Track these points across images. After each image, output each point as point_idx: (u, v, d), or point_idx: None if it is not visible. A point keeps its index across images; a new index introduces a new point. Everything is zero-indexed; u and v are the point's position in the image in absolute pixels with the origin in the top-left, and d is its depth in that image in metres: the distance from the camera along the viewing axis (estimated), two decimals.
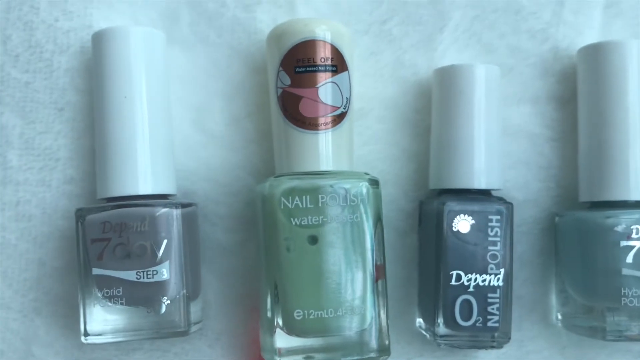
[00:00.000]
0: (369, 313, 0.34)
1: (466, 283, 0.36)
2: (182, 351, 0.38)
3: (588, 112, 0.38)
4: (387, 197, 0.39)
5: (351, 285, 0.33)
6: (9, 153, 0.37)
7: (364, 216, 0.34)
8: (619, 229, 0.36)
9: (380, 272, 0.35)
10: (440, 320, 0.36)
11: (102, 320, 0.34)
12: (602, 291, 0.36)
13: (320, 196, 0.33)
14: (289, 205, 0.33)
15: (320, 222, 0.33)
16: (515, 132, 0.40)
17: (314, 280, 0.33)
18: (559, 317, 0.39)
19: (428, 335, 0.37)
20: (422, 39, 0.39)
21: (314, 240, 0.33)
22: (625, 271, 0.36)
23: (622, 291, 0.35)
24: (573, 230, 0.38)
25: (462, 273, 0.36)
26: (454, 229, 0.36)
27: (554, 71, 0.40)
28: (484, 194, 0.37)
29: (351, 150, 0.36)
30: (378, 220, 0.35)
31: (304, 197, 0.33)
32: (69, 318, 0.37)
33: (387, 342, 0.35)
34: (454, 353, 0.39)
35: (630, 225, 0.36)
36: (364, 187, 0.34)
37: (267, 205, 0.33)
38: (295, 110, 0.34)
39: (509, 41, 0.40)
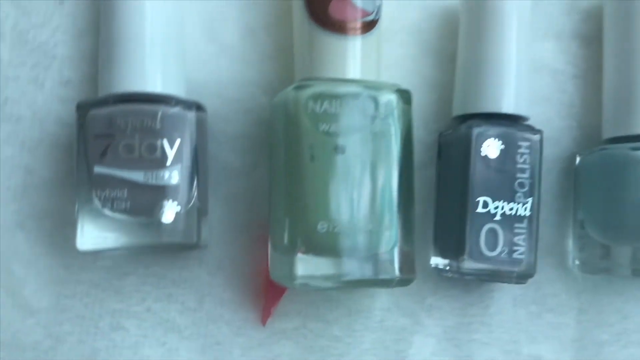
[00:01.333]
0: (395, 233, 0.31)
1: (493, 211, 0.34)
2: (179, 278, 0.34)
3: (614, 48, 0.37)
4: None
5: (379, 201, 0.31)
6: None
7: (394, 127, 0.31)
8: None
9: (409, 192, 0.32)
10: (466, 250, 0.33)
11: (99, 234, 0.30)
12: (630, 226, 0.35)
13: (351, 102, 0.30)
14: (317, 109, 0.30)
15: (350, 129, 0.30)
16: (538, 67, 0.38)
17: (339, 192, 0.30)
18: (576, 262, 0.38)
19: (449, 271, 0.35)
20: None
21: (340, 149, 0.30)
22: None
23: None
24: (597, 167, 0.36)
25: (489, 200, 0.34)
26: (482, 154, 0.34)
27: (579, 8, 0.39)
28: (512, 121, 0.35)
29: (379, 61, 0.34)
30: (409, 139, 0.32)
31: (333, 101, 0.30)
32: (55, 235, 0.33)
33: (413, 265, 0.32)
34: (468, 291, 0.37)
35: None
36: (396, 97, 0.32)
37: (291, 109, 0.30)
38: (324, 11, 0.32)
39: None
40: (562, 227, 0.38)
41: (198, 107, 0.31)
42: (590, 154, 0.37)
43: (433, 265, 0.36)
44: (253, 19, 0.35)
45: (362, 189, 0.31)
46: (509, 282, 0.35)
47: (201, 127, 0.32)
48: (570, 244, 0.38)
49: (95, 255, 0.31)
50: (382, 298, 0.36)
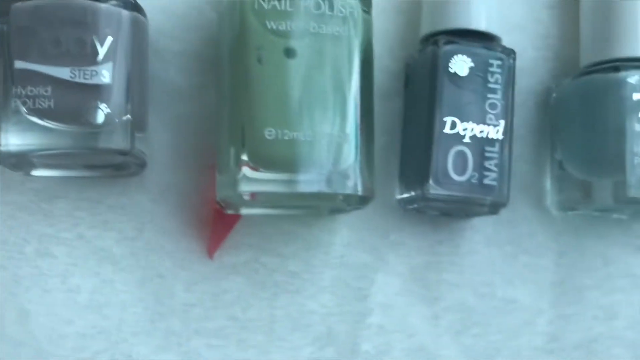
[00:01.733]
0: (354, 147, 0.28)
1: (461, 132, 0.31)
2: (117, 204, 0.31)
3: None
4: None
5: (333, 109, 0.28)
6: None
7: (352, 32, 0.29)
8: (631, 80, 0.32)
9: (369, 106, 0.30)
10: (431, 174, 0.30)
11: (22, 136, 0.27)
12: (612, 155, 0.32)
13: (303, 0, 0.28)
14: (265, 4, 0.27)
15: (301, 30, 0.28)
16: None
17: (290, 98, 0.27)
18: (554, 203, 0.35)
19: (414, 202, 0.32)
20: None
21: (291, 53, 0.28)
22: (637, 127, 0.31)
23: (632, 149, 0.31)
24: (574, 97, 0.34)
25: (457, 120, 0.31)
26: (451, 71, 0.31)
27: None
28: (483, 40, 0.32)
29: None
30: (369, 48, 0.30)
31: None
32: None
33: (371, 184, 0.29)
34: (437, 229, 0.34)
35: None
36: (354, 1, 0.29)
37: (236, 6, 0.28)
38: None
39: None
40: (539, 164, 0.36)
41: (135, 7, 0.28)
42: (567, 84, 0.34)
43: (398, 198, 0.33)
44: None
45: (316, 95, 0.28)
46: (480, 213, 0.33)
47: (139, 30, 0.29)
48: (548, 184, 0.35)
49: (20, 160, 0.28)
50: (343, 232, 0.33)
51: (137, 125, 0.28)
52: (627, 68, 0.32)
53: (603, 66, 0.33)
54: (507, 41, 0.35)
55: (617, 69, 0.32)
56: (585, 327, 0.34)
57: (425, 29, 0.33)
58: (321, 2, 0.28)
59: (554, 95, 0.35)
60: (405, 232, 0.34)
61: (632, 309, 0.35)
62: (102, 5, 0.27)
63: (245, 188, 0.27)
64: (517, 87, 0.35)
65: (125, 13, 0.28)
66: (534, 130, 0.36)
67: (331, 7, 0.28)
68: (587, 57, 0.34)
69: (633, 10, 0.33)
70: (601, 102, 0.32)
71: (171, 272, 0.31)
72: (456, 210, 0.33)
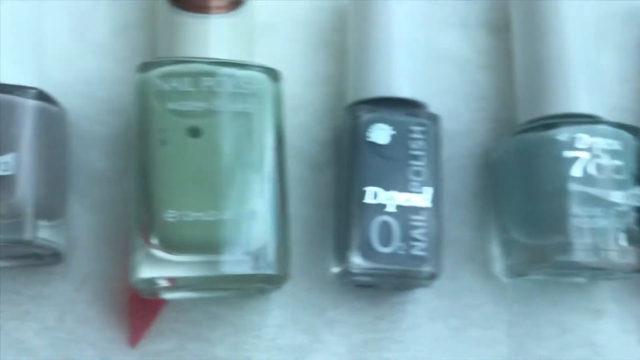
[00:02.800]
0: (268, 225, 0.27)
1: (384, 202, 0.30)
2: (39, 295, 0.30)
3: (522, 31, 0.34)
4: (300, 127, 0.34)
5: (241, 187, 0.27)
6: None
7: (259, 108, 0.28)
8: (562, 137, 0.31)
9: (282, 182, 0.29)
10: (355, 247, 0.29)
11: None
12: (548, 217, 0.30)
13: (204, 79, 0.28)
14: (165, 86, 0.27)
15: (204, 110, 0.27)
16: (442, 57, 0.35)
17: (194, 178, 0.27)
18: (503, 270, 0.33)
19: (344, 277, 0.31)
20: None
21: (195, 132, 0.27)
22: (573, 186, 0.30)
23: (570, 210, 0.30)
24: (511, 156, 0.33)
25: (378, 190, 0.30)
26: (369, 140, 0.30)
27: None
28: (407, 105, 0.32)
29: (250, 43, 0.31)
30: (279, 122, 0.29)
31: (184, 78, 0.27)
32: None
33: (286, 266, 0.28)
34: (376, 304, 0.32)
35: (574, 134, 0.30)
36: (259, 75, 0.29)
37: (140, 89, 0.28)
38: None
39: None
40: (484, 230, 0.34)
41: (42, 97, 0.29)
42: (504, 144, 0.33)
43: (333, 273, 0.32)
44: (123, 15, 0.33)
45: (223, 174, 0.27)
46: (413, 285, 0.31)
47: (49, 119, 0.29)
48: (495, 249, 0.34)
49: None
50: (275, 312, 0.32)
51: (47, 214, 0.28)
52: (557, 125, 0.31)
53: (535, 124, 0.32)
54: (441, 105, 0.34)
55: (547, 127, 0.31)
56: None
57: (350, 98, 0.33)
58: (224, 80, 0.28)
59: (493, 156, 0.34)
60: (342, 309, 0.32)
61: None
62: (3, 97, 0.27)
63: (146, 274, 0.26)
64: (454, 150, 0.34)
65: (30, 104, 0.28)
66: (476, 194, 0.34)
67: (235, 85, 0.28)
68: (522, 115, 0.33)
69: (562, 67, 0.32)
70: (535, 161, 0.31)
71: None
72: (387, 284, 0.32)
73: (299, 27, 0.35)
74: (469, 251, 0.33)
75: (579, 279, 0.34)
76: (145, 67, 0.28)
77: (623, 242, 0.30)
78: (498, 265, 0.33)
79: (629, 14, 0.37)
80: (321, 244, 0.32)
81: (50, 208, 0.29)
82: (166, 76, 0.28)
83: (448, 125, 0.34)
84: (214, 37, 0.29)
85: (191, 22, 0.29)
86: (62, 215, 0.30)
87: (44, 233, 0.28)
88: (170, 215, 0.26)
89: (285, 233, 0.28)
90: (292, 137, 0.33)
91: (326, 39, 0.35)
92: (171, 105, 0.27)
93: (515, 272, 0.32)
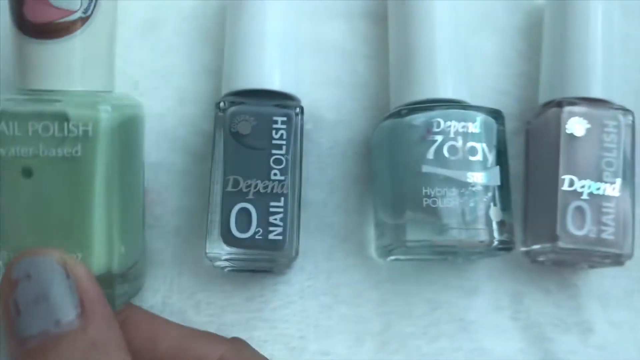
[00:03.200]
0: (96, 263, 0.28)
1: (245, 189, 0.31)
2: None
3: (395, 22, 0.35)
4: (186, 118, 0.36)
5: (70, 229, 0.28)
6: None
7: (91, 150, 0.27)
8: (417, 122, 0.32)
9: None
10: (216, 233, 0.31)
11: None
12: (405, 197, 0.32)
13: (30, 123, 0.27)
14: None
15: (31, 154, 0.27)
16: (326, 47, 0.37)
17: (26, 218, 0.27)
18: (376, 249, 0.35)
19: (213, 264, 0.33)
20: None
21: (27, 173, 0.28)
22: (426, 168, 0.31)
23: (423, 191, 0.31)
24: (380, 142, 0.34)
25: (240, 178, 0.32)
26: (233, 130, 0.32)
27: None
28: (277, 97, 0.33)
29: (104, 66, 0.30)
30: (125, 158, 0.29)
31: (10, 123, 0.27)
32: None
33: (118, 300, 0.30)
34: (246, 285, 0.34)
35: (430, 119, 0.32)
36: (95, 112, 0.27)
37: None
38: (20, 15, 0.28)
39: None
40: (361, 213, 0.36)
41: None
42: (376, 130, 0.35)
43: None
44: None
45: (52, 216, 0.27)
46: (271, 271, 0.33)
47: None
48: (371, 231, 0.35)
49: None
50: (146, 295, 0.34)
51: None
52: (415, 111, 0.32)
53: (397, 110, 0.33)
54: (324, 95, 0.36)
55: (407, 112, 0.32)
56: None
57: (224, 89, 0.34)
58: (50, 125, 0.27)
59: (370, 142, 0.36)
60: (211, 292, 0.34)
61: (458, 354, 0.34)
62: None
63: None
64: (335, 139, 0.36)
65: None
66: (356, 180, 0.36)
67: (61, 129, 0.27)
68: (393, 102, 0.35)
69: (428, 54, 0.33)
70: (396, 146, 0.33)
71: None
72: (252, 268, 0.33)
73: (184, 20, 0.36)
74: (345, 234, 0.35)
75: (453, 259, 0.35)
76: None
77: (479, 220, 0.31)
78: (372, 246, 0.35)
79: None
80: (198, 232, 0.34)
81: None
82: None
83: (330, 115, 0.36)
84: (63, 62, 0.28)
85: (31, 47, 0.28)
86: None
87: None
88: (6, 256, 0.28)
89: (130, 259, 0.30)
90: (178, 129, 0.35)
91: (211, 32, 0.37)
92: (1, 151, 0.27)
93: (385, 252, 0.34)
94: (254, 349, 0.30)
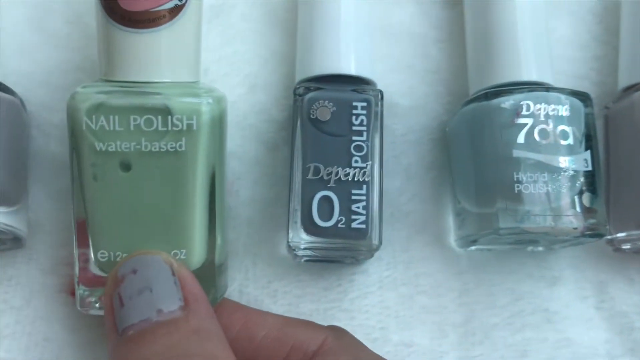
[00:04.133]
0: (198, 257, 0.28)
1: (325, 177, 0.31)
2: (4, 275, 0.32)
3: (474, 5, 0.34)
4: (256, 106, 0.35)
5: (173, 225, 0.27)
6: None
7: (192, 145, 0.27)
8: (506, 105, 0.31)
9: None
10: (297, 222, 0.30)
11: None
12: (494, 184, 0.31)
13: (132, 117, 0.26)
14: (93, 126, 0.26)
15: (132, 149, 0.27)
16: (397, 32, 0.36)
17: (124, 215, 0.27)
18: (456, 239, 0.34)
19: (291, 254, 0.32)
20: None
21: (126, 167, 0.27)
22: (517, 153, 0.30)
23: (515, 176, 0.30)
24: (461, 127, 0.33)
25: (320, 166, 0.31)
26: (312, 117, 0.31)
27: None
28: (354, 82, 0.32)
29: (194, 56, 0.29)
30: (214, 157, 0.28)
31: (110, 117, 0.26)
32: None
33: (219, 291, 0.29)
34: (322, 275, 0.33)
35: (520, 101, 0.31)
36: (198, 105, 0.27)
37: (71, 123, 0.27)
38: (114, 3, 0.27)
39: None
40: (438, 201, 0.35)
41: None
42: (455, 115, 0.34)
43: (286, 247, 0.33)
44: (77, 5, 0.35)
45: (152, 212, 0.27)
46: (353, 260, 0.32)
47: (6, 108, 0.30)
48: (449, 220, 0.34)
49: None
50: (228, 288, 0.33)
51: (6, 200, 0.30)
52: (501, 94, 0.31)
53: (480, 94, 0.32)
54: (396, 80, 0.35)
55: (492, 96, 0.31)
56: None
57: (298, 76, 0.33)
58: (154, 119, 0.27)
59: (447, 129, 0.35)
60: (287, 281, 0.33)
61: (544, 345, 0.33)
62: None
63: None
64: (409, 125, 0.35)
65: None
66: (431, 167, 0.35)
67: (165, 123, 0.27)
68: (472, 87, 0.34)
69: (509, 36, 0.32)
70: (481, 130, 0.32)
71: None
72: (333, 257, 0.32)
73: (252, 6, 0.36)
74: (422, 223, 0.34)
75: (534, 247, 0.34)
76: (75, 96, 0.27)
77: (570, 206, 0.30)
78: (452, 235, 0.34)
79: None
80: (272, 221, 0.33)
81: (9, 194, 0.30)
82: (93, 112, 0.27)
83: (403, 100, 0.35)
84: (154, 52, 0.27)
85: (129, 38, 0.27)
86: (20, 201, 0.31)
87: (4, 218, 0.29)
88: (102, 255, 0.27)
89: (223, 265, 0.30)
90: (249, 116, 0.35)
91: (280, 17, 0.36)
92: (100, 146, 0.27)
93: (467, 241, 0.33)
94: (353, 336, 0.29)
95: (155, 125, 0.27)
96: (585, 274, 0.34)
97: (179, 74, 0.28)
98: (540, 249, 0.34)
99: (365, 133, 0.31)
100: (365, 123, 0.31)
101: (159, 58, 0.27)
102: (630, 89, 0.34)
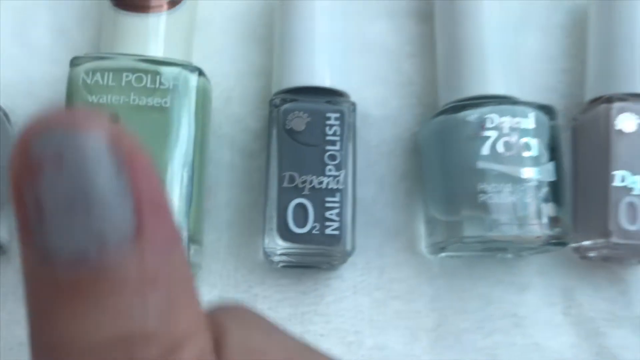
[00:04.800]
0: (182, 214, 0.30)
1: (300, 185, 0.32)
2: None
3: (444, 20, 0.36)
4: (233, 117, 0.36)
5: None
6: None
7: (178, 103, 0.30)
8: (472, 118, 0.32)
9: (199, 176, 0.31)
10: (273, 228, 0.31)
11: None
12: (460, 194, 0.32)
13: (124, 74, 0.30)
14: (88, 81, 0.30)
15: (122, 102, 0.30)
16: (372, 47, 0.37)
17: None
18: (427, 246, 0.35)
19: (267, 259, 0.33)
20: None
21: (114, 119, 0.29)
22: (481, 164, 0.32)
23: (479, 187, 0.31)
24: (430, 138, 0.34)
25: (295, 174, 0.32)
26: (287, 127, 0.32)
27: None
28: (329, 94, 0.33)
29: (188, 39, 0.34)
30: (199, 116, 0.31)
31: (106, 73, 0.30)
32: None
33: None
34: (301, 280, 0.34)
35: (485, 115, 0.32)
36: (181, 71, 0.31)
37: (69, 84, 0.30)
38: None
39: None
40: (409, 209, 0.36)
41: None
42: (424, 127, 0.35)
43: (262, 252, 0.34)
44: (61, 18, 0.36)
45: None
46: (327, 265, 0.33)
47: None
48: (421, 227, 0.35)
49: None
50: (202, 290, 0.34)
51: None
52: (467, 107, 0.32)
53: (448, 106, 0.33)
54: (370, 92, 0.36)
55: (459, 109, 0.33)
56: None
57: (274, 88, 0.35)
58: (143, 76, 0.30)
59: (418, 140, 0.36)
60: (267, 285, 0.34)
61: (513, 349, 0.34)
62: None
63: None
64: (382, 137, 0.36)
65: None
66: (404, 176, 0.36)
67: (153, 81, 0.30)
68: (442, 99, 0.35)
69: (477, 50, 0.34)
70: (448, 142, 0.33)
71: None
72: (308, 263, 0.33)
73: (230, 21, 0.37)
74: (395, 230, 0.35)
75: (503, 255, 0.35)
76: (75, 62, 0.31)
77: (534, 216, 0.31)
78: (423, 242, 0.35)
79: None
80: (250, 227, 0.34)
81: None
82: (90, 70, 0.30)
83: (377, 112, 0.36)
84: (151, 34, 0.32)
85: (130, 20, 0.32)
86: (2, 208, 0.32)
87: None
88: None
89: (199, 222, 0.31)
90: (225, 127, 0.36)
91: (257, 32, 0.37)
92: (91, 98, 0.30)
93: (437, 248, 0.34)
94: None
95: (144, 82, 0.30)
96: (553, 281, 0.35)
97: (174, 54, 0.32)
98: (510, 256, 0.35)
99: (338, 143, 0.32)
100: (338, 133, 0.32)
101: (157, 39, 0.32)
102: (596, 101, 0.35)
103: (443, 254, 0.34)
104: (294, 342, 0.17)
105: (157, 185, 0.15)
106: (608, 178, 0.33)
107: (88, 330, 0.14)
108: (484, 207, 0.31)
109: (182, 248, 0.15)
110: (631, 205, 0.33)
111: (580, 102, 0.37)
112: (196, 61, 0.36)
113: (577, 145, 0.36)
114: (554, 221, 0.32)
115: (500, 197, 0.31)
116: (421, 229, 0.35)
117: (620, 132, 0.34)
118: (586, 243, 0.35)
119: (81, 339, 0.14)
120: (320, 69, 0.33)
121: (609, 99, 0.34)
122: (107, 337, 0.14)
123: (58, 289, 0.14)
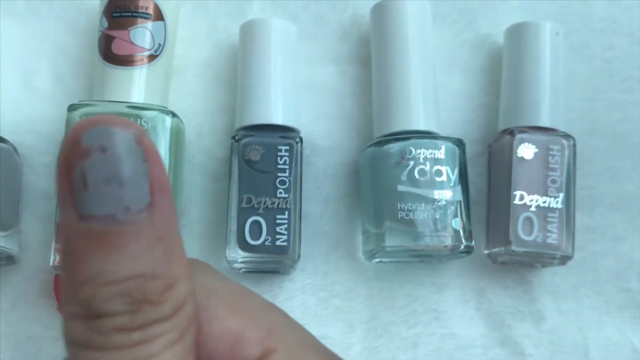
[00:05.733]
0: None
1: (256, 205, 0.39)
2: None
3: (377, 64, 0.43)
4: (204, 147, 0.43)
5: None
6: None
7: (156, 140, 0.38)
8: (394, 150, 0.40)
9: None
10: (234, 241, 0.39)
11: None
12: (385, 211, 0.39)
13: None
14: None
15: None
16: (320, 88, 0.45)
17: None
18: (363, 253, 0.42)
19: (231, 266, 0.40)
20: (234, 8, 0.45)
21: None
22: (401, 187, 0.39)
23: (399, 206, 0.39)
24: (365, 166, 0.42)
25: (252, 196, 0.39)
26: (246, 158, 0.40)
27: (352, 35, 0.45)
28: (281, 130, 0.41)
29: (165, 89, 0.42)
30: (174, 151, 0.38)
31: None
32: None
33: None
34: (258, 282, 0.42)
35: (404, 147, 0.39)
36: (158, 115, 0.38)
37: (67, 126, 0.38)
38: (109, 49, 0.40)
39: (313, 10, 0.45)
40: (350, 223, 0.43)
41: None
42: (360, 155, 0.43)
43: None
44: (60, 68, 0.43)
45: None
46: (278, 272, 0.40)
47: (1, 153, 0.39)
48: (359, 239, 0.43)
49: None
50: None
51: (2, 226, 0.38)
52: (390, 141, 0.40)
53: (377, 140, 0.41)
54: (317, 126, 0.44)
55: (384, 142, 0.40)
56: (389, 357, 0.41)
57: (237, 124, 0.42)
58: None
59: (357, 165, 0.44)
60: None
61: (432, 338, 0.41)
62: None
63: None
64: (328, 162, 0.44)
65: None
66: (346, 195, 0.43)
67: (136, 122, 0.37)
68: (375, 132, 0.42)
69: (403, 92, 0.41)
70: (376, 169, 0.40)
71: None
72: (262, 269, 0.41)
73: (201, 68, 0.44)
74: (337, 241, 0.43)
75: (427, 260, 0.43)
76: (72, 108, 0.38)
77: (443, 229, 0.39)
78: (360, 250, 0.43)
79: (475, 41, 0.46)
80: (217, 239, 0.42)
81: (4, 222, 0.38)
82: (85, 115, 0.37)
83: (323, 142, 0.44)
84: (135, 84, 0.39)
85: (117, 73, 0.39)
86: (14, 226, 0.39)
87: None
88: None
89: None
90: (198, 156, 0.43)
91: (224, 76, 0.44)
92: None
93: (370, 255, 0.42)
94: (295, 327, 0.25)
95: None
96: (468, 282, 0.43)
97: (151, 100, 0.39)
98: (433, 261, 0.43)
99: (288, 170, 0.40)
100: (288, 162, 0.40)
101: (139, 88, 0.39)
102: (504, 132, 0.43)
103: (376, 260, 0.42)
104: (238, 285, 0.25)
105: (164, 173, 0.20)
106: (510, 196, 0.41)
107: (112, 269, 0.19)
108: (403, 222, 0.39)
109: (176, 218, 0.21)
110: (528, 220, 0.41)
111: (495, 132, 0.44)
112: (173, 102, 0.43)
113: (491, 168, 0.44)
114: (460, 233, 0.39)
115: (416, 214, 0.39)
116: (359, 239, 0.43)
117: (521, 159, 0.41)
118: (494, 250, 0.42)
119: (106, 276, 0.19)
120: (274, 109, 0.41)
121: (512, 132, 0.42)
122: (125, 275, 0.19)
123: (91, 239, 0.19)
